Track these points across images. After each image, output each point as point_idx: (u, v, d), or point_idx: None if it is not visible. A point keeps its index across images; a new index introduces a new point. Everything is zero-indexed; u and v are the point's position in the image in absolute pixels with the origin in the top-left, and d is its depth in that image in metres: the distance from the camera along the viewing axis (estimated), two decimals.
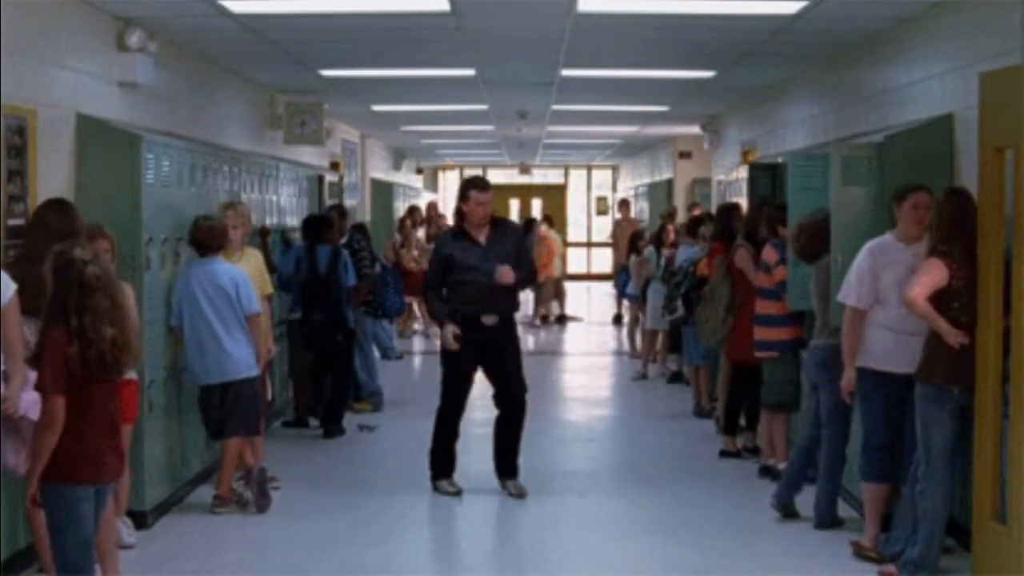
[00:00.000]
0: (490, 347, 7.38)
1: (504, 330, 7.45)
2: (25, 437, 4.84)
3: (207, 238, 7.07)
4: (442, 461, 7.56)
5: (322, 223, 9.63)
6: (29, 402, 4.81)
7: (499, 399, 7.52)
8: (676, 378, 12.08)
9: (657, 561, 6.37)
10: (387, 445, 9.30)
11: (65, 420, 4.32)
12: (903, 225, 5.98)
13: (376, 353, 11.70)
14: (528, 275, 7.69)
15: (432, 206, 19.36)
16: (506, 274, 7.23)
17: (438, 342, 7.61)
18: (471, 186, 7.41)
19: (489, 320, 7.32)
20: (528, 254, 7.87)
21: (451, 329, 7.31)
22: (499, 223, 7.56)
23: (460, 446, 7.62)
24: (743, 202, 10.16)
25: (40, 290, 5.17)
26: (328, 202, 12.02)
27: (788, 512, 6.85)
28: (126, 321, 4.51)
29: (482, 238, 7.40)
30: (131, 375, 5.79)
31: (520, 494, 7.41)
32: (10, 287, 4.73)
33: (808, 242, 6.89)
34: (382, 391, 10.66)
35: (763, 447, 8.13)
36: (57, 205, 5.78)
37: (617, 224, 19.88)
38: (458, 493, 7.46)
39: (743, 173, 10.98)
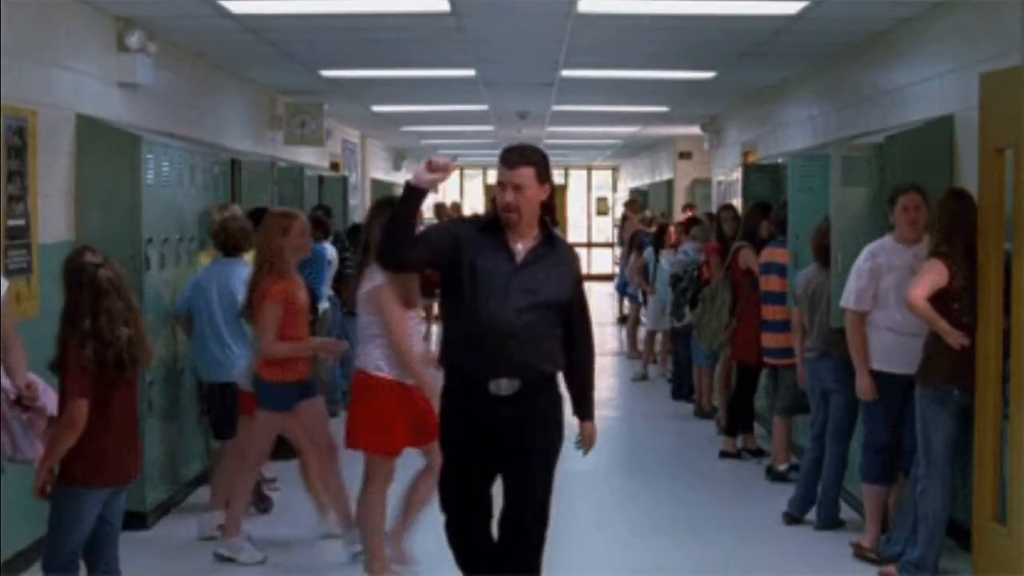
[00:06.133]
0: (502, 432, 4.42)
1: (527, 405, 4.42)
2: (38, 430, 4.82)
3: (238, 240, 6.99)
4: None
5: None
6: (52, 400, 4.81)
7: (501, 518, 4.59)
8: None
9: (657, 561, 6.36)
10: None
11: (85, 423, 4.32)
12: (897, 227, 5.99)
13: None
14: (586, 342, 4.72)
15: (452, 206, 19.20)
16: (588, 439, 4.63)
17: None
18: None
19: (501, 388, 4.38)
20: (583, 300, 4.81)
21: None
22: (556, 240, 4.56)
23: None
24: (738, 203, 10.16)
25: None
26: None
27: (796, 521, 6.84)
28: (140, 321, 4.51)
29: (520, 247, 4.46)
30: None
31: None
32: (2, 284, 4.72)
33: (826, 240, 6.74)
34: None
35: (774, 451, 8.08)
36: None
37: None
38: None
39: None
